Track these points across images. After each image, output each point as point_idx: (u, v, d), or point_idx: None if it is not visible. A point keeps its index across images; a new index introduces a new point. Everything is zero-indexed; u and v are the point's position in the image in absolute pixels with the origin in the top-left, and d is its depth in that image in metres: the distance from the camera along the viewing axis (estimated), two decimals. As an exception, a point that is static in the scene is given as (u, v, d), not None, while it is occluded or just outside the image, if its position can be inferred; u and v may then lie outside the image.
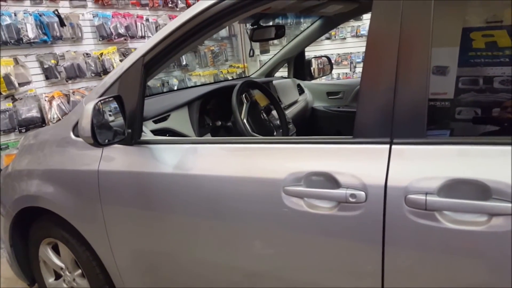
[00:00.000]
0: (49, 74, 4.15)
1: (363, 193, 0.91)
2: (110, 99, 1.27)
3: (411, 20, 0.89)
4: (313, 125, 2.91)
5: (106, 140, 1.25)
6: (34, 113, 4.00)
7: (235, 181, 1.10)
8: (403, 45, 0.89)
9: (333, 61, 6.27)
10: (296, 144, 1.07)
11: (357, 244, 0.95)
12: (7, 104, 3.83)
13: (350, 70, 6.59)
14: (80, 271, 1.66)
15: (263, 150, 1.11)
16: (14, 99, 3.89)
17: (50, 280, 1.84)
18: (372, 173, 0.91)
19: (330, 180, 0.96)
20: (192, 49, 5.34)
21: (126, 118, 1.30)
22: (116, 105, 1.29)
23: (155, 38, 1.30)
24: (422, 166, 0.87)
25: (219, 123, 1.82)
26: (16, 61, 3.87)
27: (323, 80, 4.11)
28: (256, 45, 6.61)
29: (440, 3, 0.89)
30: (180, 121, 1.68)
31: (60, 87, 4.30)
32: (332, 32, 6.49)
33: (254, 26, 1.97)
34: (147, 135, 1.39)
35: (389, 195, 0.88)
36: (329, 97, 2.96)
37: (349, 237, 0.95)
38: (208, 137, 1.79)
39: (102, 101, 1.22)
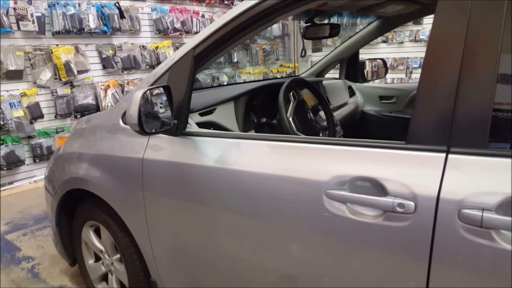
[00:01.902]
0: (106, 63, 4.35)
1: (412, 203, 0.84)
2: (159, 88, 1.28)
3: (480, 21, 0.81)
4: (362, 129, 2.80)
5: (153, 129, 1.26)
6: (90, 100, 4.20)
7: (276, 179, 1.07)
8: (469, 47, 0.82)
9: (388, 65, 6.07)
10: (342, 146, 1.01)
11: (401, 257, 0.88)
12: (65, 90, 4.06)
13: (406, 76, 6.33)
14: (118, 255, 1.69)
15: (307, 150, 1.06)
16: (72, 86, 4.12)
17: (90, 261, 1.89)
18: (424, 182, 0.84)
19: (377, 187, 0.90)
20: (242, 43, 5.34)
21: (173, 108, 1.30)
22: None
23: (206, 31, 1.29)
24: (480, 179, 0.79)
25: (264, 120, 1.78)
26: (77, 49, 4.08)
27: (376, 83, 3.96)
28: (308, 46, 6.54)
29: None
30: (226, 115, 1.67)
31: (115, 77, 4.49)
32: (389, 35, 6.27)
33: (308, 24, 1.92)
34: (192, 127, 1.39)
35: (440, 208, 0.81)
36: (382, 101, 2.83)
37: (394, 249, 0.89)
38: (252, 133, 1.76)
39: (150, 90, 1.23)
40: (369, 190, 0.91)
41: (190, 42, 1.33)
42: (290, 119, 1.60)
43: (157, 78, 1.41)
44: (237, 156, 1.19)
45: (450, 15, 0.85)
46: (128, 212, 1.49)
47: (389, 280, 0.91)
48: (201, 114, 1.56)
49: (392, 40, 6.33)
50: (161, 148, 1.35)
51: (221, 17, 1.25)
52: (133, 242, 1.53)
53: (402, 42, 6.26)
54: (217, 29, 1.24)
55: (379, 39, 6.29)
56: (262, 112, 1.82)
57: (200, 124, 1.50)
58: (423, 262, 0.84)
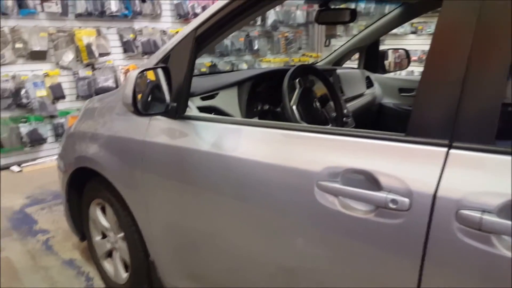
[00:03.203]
0: (127, 47, 4.40)
1: (406, 200, 0.80)
2: (158, 69, 1.27)
3: (493, 4, 0.74)
4: (377, 123, 2.71)
5: (151, 111, 1.26)
6: (110, 83, 4.27)
7: (268, 167, 1.04)
8: (480, 32, 0.75)
9: (416, 58, 5.84)
10: (338, 136, 0.97)
11: (393, 256, 0.84)
12: (87, 72, 4.14)
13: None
14: (122, 234, 1.71)
15: (302, 138, 1.03)
16: (93, 68, 4.19)
17: (97, 238, 1.94)
18: (421, 178, 0.79)
19: (371, 181, 0.85)
20: (246, 24, 5.22)
21: (171, 90, 1.29)
22: None
23: (209, 11, 1.26)
24: (483, 177, 0.73)
25: (267, 107, 1.75)
26: (98, 32, 4.13)
27: (402, 74, 3.82)
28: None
29: None
30: (228, 100, 1.64)
31: (136, 61, 4.54)
32: (419, 26, 6.04)
33: (322, 8, 1.86)
34: (192, 110, 1.38)
35: (437, 207, 0.76)
36: (401, 93, 2.73)
37: (385, 247, 0.84)
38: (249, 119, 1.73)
39: (147, 71, 1.23)
40: (362, 183, 0.87)
41: (192, 23, 1.32)
42: (294, 107, 1.56)
43: (160, 59, 1.40)
44: (232, 142, 1.17)
45: None
46: (129, 192, 1.51)
47: (379, 278, 0.88)
48: (203, 99, 1.55)
49: (421, 31, 6.09)
50: (160, 131, 1.35)
51: (223, -3, 1.22)
52: (134, 222, 1.56)
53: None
54: (220, 8, 1.21)
55: (408, 29, 6.06)
56: (267, 99, 1.79)
57: (202, 109, 1.49)
58: (415, 262, 0.80)
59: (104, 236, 1.90)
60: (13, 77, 3.73)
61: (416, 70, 5.97)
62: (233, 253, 1.22)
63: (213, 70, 5.28)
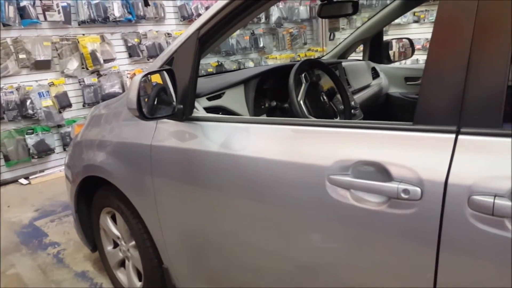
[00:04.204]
0: (132, 52, 4.39)
1: (418, 189, 0.79)
2: (162, 72, 1.24)
3: None
4: (385, 113, 2.69)
5: (156, 115, 1.23)
6: (117, 88, 4.26)
7: (279, 165, 1.02)
8: (481, 16, 0.74)
9: (420, 46, 5.77)
10: (346, 128, 0.96)
11: (407, 247, 0.83)
12: (92, 79, 4.14)
13: (439, 57, 6.02)
14: (134, 242, 1.69)
15: (311, 133, 1.02)
16: (99, 75, 4.19)
17: (109, 248, 1.92)
18: (431, 166, 0.78)
19: (381, 172, 0.84)
20: (250, 21, 5.18)
21: (177, 93, 1.26)
22: None
23: (211, 10, 1.24)
24: (493, 162, 0.73)
25: (275, 103, 1.72)
26: (103, 38, 4.13)
27: (407, 63, 3.79)
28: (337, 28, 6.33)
29: None
30: (235, 99, 1.62)
31: (141, 65, 4.54)
32: (421, 15, 5.98)
33: (324, 1, 1.82)
34: (199, 112, 1.35)
35: (449, 194, 0.75)
36: (407, 82, 2.71)
37: (399, 238, 0.84)
38: (256, 117, 1.71)
39: (151, 74, 1.20)
40: (373, 175, 0.86)
41: (195, 23, 1.29)
42: (301, 102, 1.53)
43: (165, 61, 1.38)
44: (241, 141, 1.15)
45: None
46: (139, 199, 1.49)
47: (396, 269, 0.87)
48: (209, 99, 1.52)
49: (424, 20, 6.02)
50: (168, 134, 1.33)
51: (225, -4, 1.19)
52: (145, 229, 1.53)
53: (435, 22, 5.94)
54: (222, 7, 1.19)
55: (410, 18, 6.02)
56: (274, 95, 1.76)
57: (209, 109, 1.46)
58: (431, 252, 0.79)
59: (115, 245, 1.88)
60: (18, 89, 3.72)
61: (420, 58, 5.93)
62: (248, 253, 1.20)
63: (220, 70, 5.27)
